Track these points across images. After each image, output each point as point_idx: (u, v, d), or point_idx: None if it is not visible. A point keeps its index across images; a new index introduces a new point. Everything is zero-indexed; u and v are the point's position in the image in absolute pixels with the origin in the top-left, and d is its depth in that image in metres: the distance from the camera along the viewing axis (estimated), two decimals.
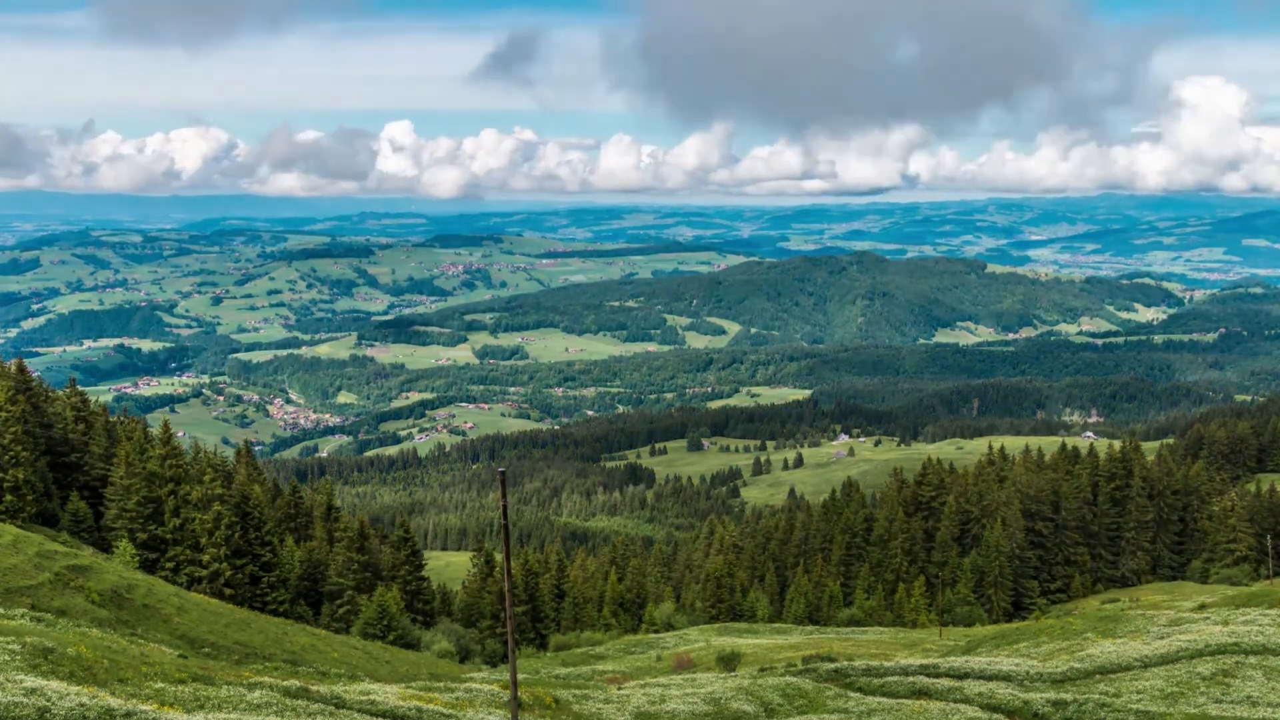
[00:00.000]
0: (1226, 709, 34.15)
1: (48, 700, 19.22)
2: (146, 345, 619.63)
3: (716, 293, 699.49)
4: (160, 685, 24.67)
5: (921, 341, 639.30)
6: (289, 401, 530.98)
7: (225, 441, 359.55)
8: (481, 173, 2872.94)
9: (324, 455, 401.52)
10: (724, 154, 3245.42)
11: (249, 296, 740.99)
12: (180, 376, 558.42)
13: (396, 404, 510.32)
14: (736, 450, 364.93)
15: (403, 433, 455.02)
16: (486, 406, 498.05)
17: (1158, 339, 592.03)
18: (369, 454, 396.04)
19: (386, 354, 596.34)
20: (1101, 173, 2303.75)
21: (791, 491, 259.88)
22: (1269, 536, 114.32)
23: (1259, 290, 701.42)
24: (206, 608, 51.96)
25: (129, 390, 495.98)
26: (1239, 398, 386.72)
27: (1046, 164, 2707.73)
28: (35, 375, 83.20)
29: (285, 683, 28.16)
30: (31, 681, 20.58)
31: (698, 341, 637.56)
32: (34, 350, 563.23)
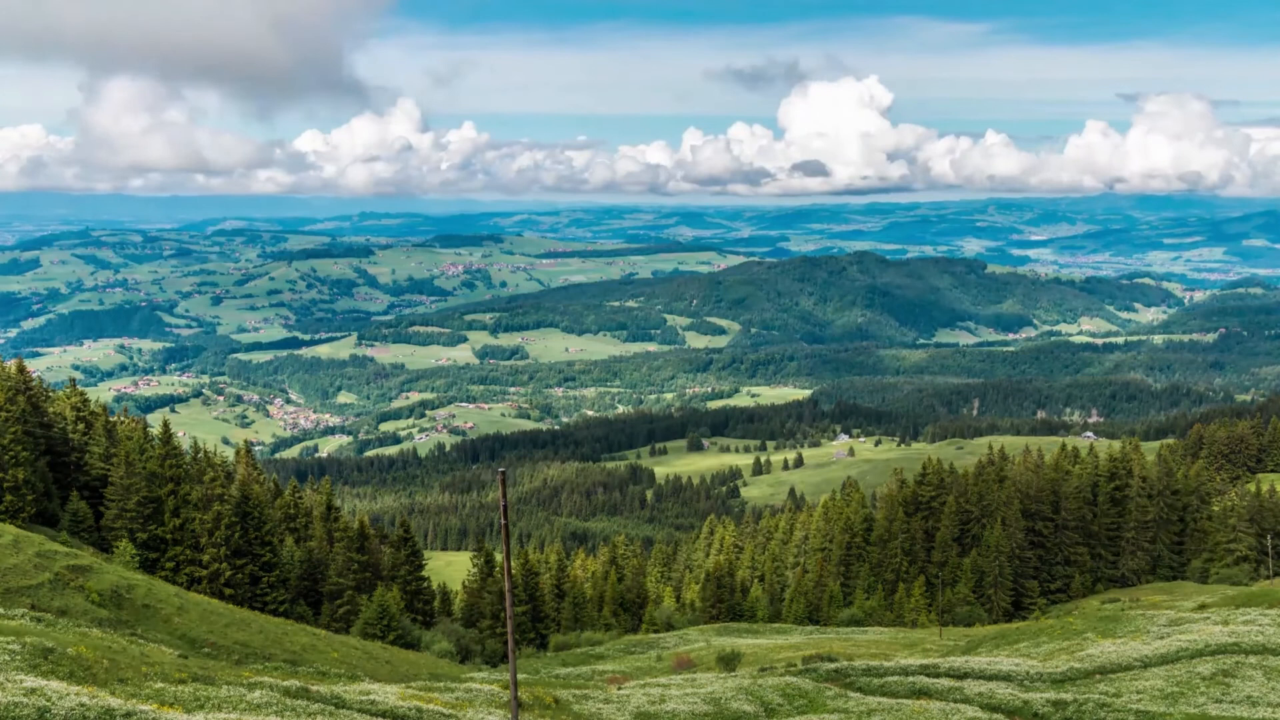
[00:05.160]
0: (1226, 709, 34.13)
1: (48, 700, 19.21)
2: (146, 345, 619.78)
3: (716, 293, 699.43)
4: (160, 685, 24.68)
5: (921, 341, 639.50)
6: (289, 401, 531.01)
7: (225, 441, 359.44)
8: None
9: (324, 455, 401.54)
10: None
11: (249, 296, 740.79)
12: (180, 376, 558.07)
13: (396, 404, 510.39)
14: (736, 450, 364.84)
15: (403, 433, 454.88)
16: (486, 406, 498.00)
17: (1158, 339, 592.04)
18: (369, 454, 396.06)
19: (386, 354, 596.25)
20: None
21: (791, 491, 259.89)
22: (1269, 536, 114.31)
23: (1259, 290, 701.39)
24: (206, 608, 51.92)
25: (129, 390, 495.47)
26: (1239, 398, 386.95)
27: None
28: (35, 375, 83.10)
29: (285, 683, 28.17)
30: (31, 681, 20.58)
31: (698, 341, 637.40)
32: (34, 350, 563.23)
